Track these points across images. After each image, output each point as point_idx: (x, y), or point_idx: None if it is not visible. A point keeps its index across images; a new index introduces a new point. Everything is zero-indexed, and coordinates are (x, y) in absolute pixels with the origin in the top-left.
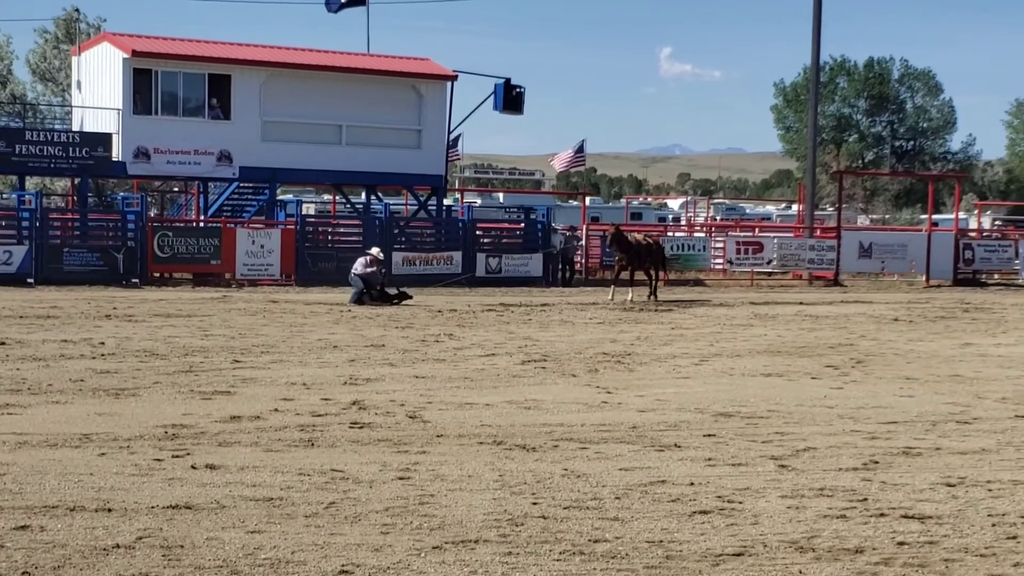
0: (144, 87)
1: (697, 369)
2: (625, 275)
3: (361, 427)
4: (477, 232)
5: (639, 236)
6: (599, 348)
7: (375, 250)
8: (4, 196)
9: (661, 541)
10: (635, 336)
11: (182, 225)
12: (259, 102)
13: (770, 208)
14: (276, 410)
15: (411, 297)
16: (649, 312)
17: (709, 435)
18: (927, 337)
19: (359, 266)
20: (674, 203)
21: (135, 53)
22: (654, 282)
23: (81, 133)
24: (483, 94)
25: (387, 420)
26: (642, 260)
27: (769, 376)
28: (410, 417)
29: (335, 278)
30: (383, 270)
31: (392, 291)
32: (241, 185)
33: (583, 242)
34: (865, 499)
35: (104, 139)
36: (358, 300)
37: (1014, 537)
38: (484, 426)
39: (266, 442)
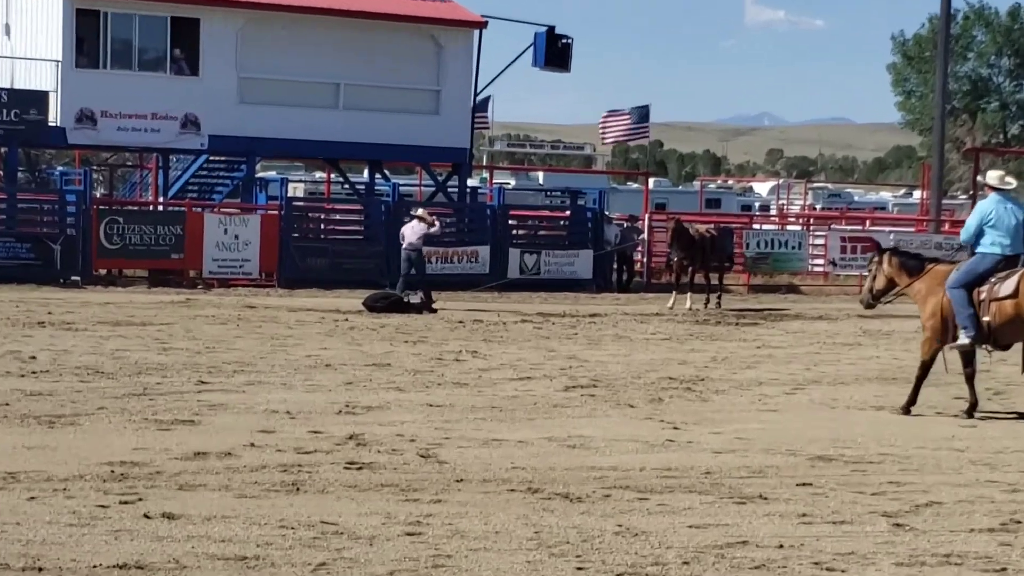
0: (90, 34)
1: (789, 399)
2: (693, 278)
3: (360, 468)
4: (510, 222)
5: (701, 228)
6: (664, 371)
7: (421, 211)
8: None
9: None
10: (710, 356)
11: (136, 209)
12: (235, 54)
13: (885, 195)
14: (252, 445)
15: (435, 311)
16: (727, 326)
17: (804, 484)
18: None
19: (408, 236)
20: (762, 187)
21: None
22: (720, 284)
23: (9, 91)
24: (520, 46)
25: (393, 459)
26: (706, 258)
27: (881, 409)
28: (422, 456)
29: (329, 277)
30: (436, 230)
31: (414, 298)
32: (211, 159)
33: (645, 236)
34: (1004, 568)
35: (38, 99)
36: (403, 289)
37: None
38: (516, 468)
39: (239, 485)
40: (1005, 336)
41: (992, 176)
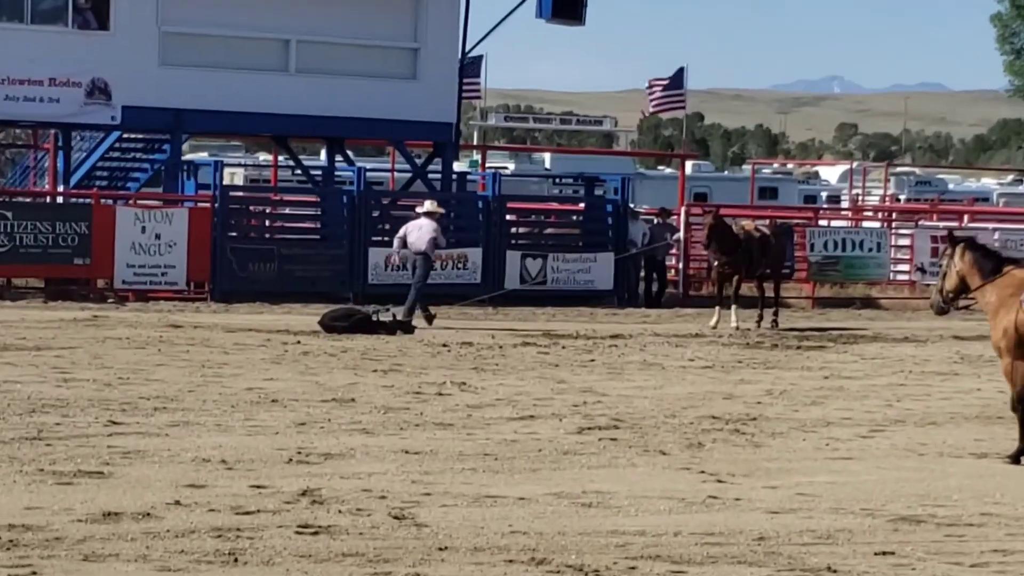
0: None
1: (865, 444)
2: (739, 288)
3: (316, 533)
4: (508, 217)
5: (749, 225)
6: (705, 408)
7: (431, 204)
8: None
9: None
10: (764, 389)
11: (29, 201)
12: (156, 2)
13: (988, 182)
14: (177, 503)
15: (412, 331)
16: (786, 350)
17: (885, 552)
18: None
19: (413, 238)
20: (830, 172)
21: None
22: (776, 297)
23: None
24: None
25: (358, 522)
26: (756, 264)
27: (984, 457)
28: (395, 517)
29: (276, 288)
30: (442, 241)
31: (385, 315)
32: (125, 137)
33: (680, 235)
34: None
35: None
36: (419, 310)
37: None
38: (516, 533)
39: (160, 555)
40: None
41: None
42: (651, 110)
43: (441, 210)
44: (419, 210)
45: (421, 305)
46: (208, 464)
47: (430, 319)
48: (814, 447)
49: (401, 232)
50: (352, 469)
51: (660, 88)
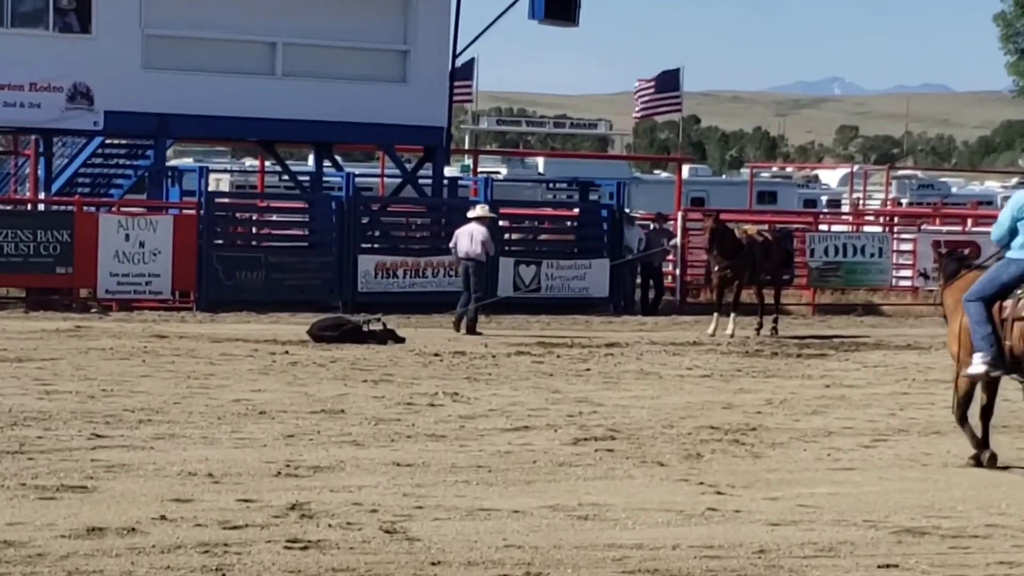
0: None
1: (868, 454)
2: (739, 295)
3: (305, 547)
4: (501, 223)
5: (750, 229)
6: (703, 418)
7: (480, 209)
8: None
9: None
10: (764, 398)
11: (9, 208)
12: (139, 5)
13: (992, 185)
14: (163, 518)
15: (403, 340)
16: (786, 358)
17: (888, 565)
18: None
19: (464, 244)
20: (831, 175)
21: None
22: (776, 304)
23: None
24: None
25: (348, 536)
26: (758, 269)
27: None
28: (387, 532)
29: (264, 297)
30: (491, 246)
31: (376, 325)
32: (108, 142)
33: (677, 241)
34: None
35: None
36: (464, 317)
37: None
38: (510, 547)
39: (146, 572)
40: None
41: None
42: (640, 114)
43: (492, 215)
44: (469, 215)
45: (470, 312)
46: (194, 478)
47: (472, 328)
48: (815, 457)
49: (453, 240)
50: (342, 482)
51: (649, 89)
